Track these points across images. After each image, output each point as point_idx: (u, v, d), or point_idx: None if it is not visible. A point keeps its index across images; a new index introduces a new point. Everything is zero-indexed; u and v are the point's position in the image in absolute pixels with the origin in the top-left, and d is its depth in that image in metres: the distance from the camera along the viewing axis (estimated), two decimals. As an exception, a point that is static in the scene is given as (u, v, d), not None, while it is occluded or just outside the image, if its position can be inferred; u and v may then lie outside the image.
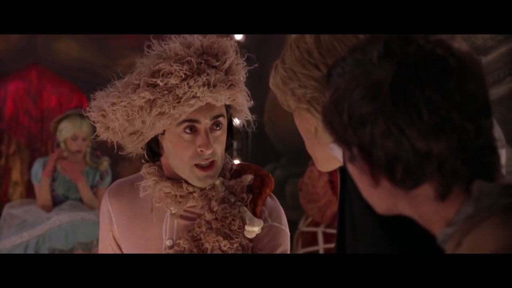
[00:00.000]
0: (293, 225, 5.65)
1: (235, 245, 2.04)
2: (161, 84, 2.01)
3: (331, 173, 5.35)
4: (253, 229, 2.05)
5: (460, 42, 1.15)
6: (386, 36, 1.16)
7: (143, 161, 2.17)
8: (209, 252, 2.03)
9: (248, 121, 2.20)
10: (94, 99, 2.10)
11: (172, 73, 2.01)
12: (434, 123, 1.09)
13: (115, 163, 5.70)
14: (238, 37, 6.22)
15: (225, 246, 2.03)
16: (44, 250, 5.02)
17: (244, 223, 2.05)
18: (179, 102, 2.00)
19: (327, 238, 5.39)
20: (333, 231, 5.38)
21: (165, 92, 2.01)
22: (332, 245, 5.29)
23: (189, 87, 2.00)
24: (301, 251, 5.45)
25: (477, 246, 1.06)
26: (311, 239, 5.45)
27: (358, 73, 1.14)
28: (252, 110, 2.24)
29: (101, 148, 5.55)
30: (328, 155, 1.70)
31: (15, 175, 6.43)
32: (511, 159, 1.96)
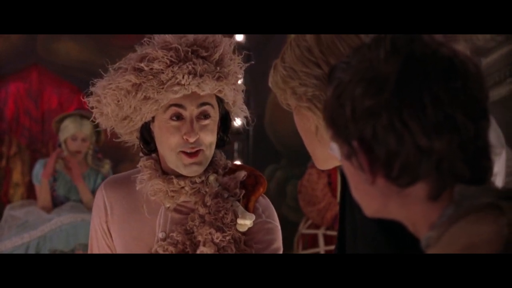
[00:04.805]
0: (294, 227, 5.64)
1: (227, 238, 2.05)
2: (146, 68, 2.05)
3: (329, 175, 5.34)
4: (245, 222, 2.07)
5: (462, 46, 1.16)
6: (391, 36, 1.17)
7: (140, 154, 2.19)
8: (201, 244, 2.05)
9: (246, 118, 2.22)
10: (93, 85, 2.15)
11: (157, 58, 2.05)
12: (438, 119, 1.10)
13: (116, 165, 5.70)
14: (239, 37, 6.22)
15: (217, 238, 2.05)
16: (45, 251, 5.03)
17: (236, 217, 2.07)
18: (163, 87, 2.04)
19: (328, 240, 5.37)
20: (334, 233, 5.36)
21: (150, 77, 2.05)
22: (333, 247, 5.29)
23: (173, 74, 2.03)
24: (301, 253, 5.44)
25: (449, 244, 1.07)
26: (312, 241, 5.44)
27: (363, 67, 1.15)
28: (253, 111, 2.24)
29: (103, 151, 5.55)
30: (327, 153, 1.70)
31: (16, 176, 6.44)
32: (511, 160, 1.95)
